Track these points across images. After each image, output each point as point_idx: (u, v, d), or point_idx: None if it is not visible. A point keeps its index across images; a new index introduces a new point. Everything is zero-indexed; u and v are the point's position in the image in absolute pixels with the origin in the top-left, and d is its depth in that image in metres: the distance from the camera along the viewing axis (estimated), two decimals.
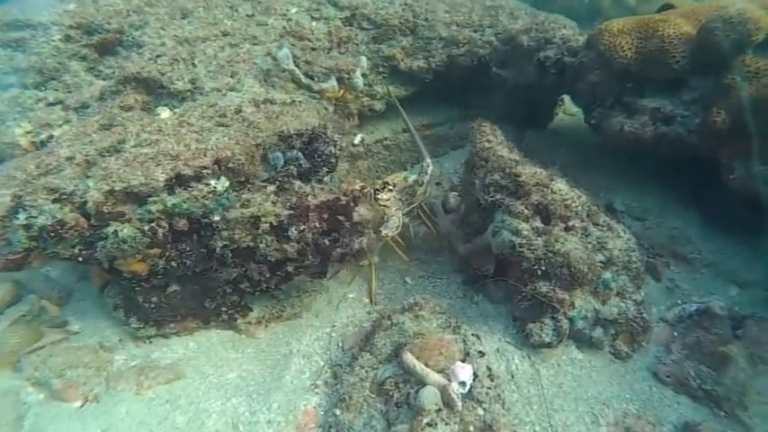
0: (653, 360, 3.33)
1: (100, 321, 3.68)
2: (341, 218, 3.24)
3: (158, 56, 4.04)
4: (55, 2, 4.87)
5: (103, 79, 4.23)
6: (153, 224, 3.03)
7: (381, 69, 5.12)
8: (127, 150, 3.21)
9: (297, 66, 4.47)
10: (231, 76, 3.92)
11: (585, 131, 5.28)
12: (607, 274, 3.22)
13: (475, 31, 5.11)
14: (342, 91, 4.73)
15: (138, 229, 2.99)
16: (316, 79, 4.49)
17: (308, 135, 3.31)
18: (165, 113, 3.65)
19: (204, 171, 3.05)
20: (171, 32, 4.31)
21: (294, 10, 5.10)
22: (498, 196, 3.22)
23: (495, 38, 4.99)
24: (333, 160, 3.34)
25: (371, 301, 3.87)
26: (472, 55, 5.01)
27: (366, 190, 3.78)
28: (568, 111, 5.72)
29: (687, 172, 4.01)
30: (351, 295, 3.92)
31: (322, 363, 3.42)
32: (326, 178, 3.31)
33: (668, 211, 4.12)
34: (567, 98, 5.65)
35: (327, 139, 3.34)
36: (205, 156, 3.09)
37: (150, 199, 3.00)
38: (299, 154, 3.30)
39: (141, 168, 3.03)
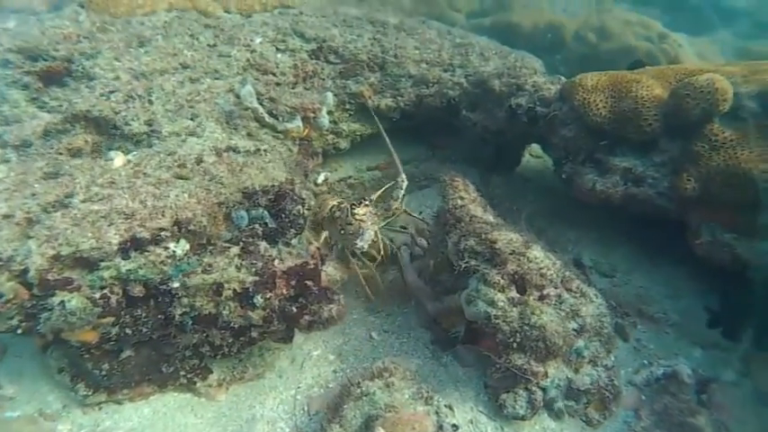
0: (623, 426, 3.30)
1: (40, 384, 3.32)
2: (309, 283, 3.05)
3: (111, 91, 3.74)
4: None
5: (48, 112, 3.88)
6: (105, 291, 2.75)
7: (348, 106, 4.96)
8: (75, 206, 2.91)
9: (261, 103, 4.27)
10: (191, 119, 3.67)
11: (553, 176, 5.29)
12: (580, 342, 3.16)
13: (445, 71, 5.02)
14: (306, 130, 4.55)
15: (88, 298, 2.71)
16: (280, 119, 4.30)
17: (275, 192, 3.12)
18: (118, 159, 3.36)
19: (162, 233, 2.81)
20: (126, 64, 4.01)
21: (258, 40, 4.88)
22: (473, 262, 3.11)
23: (466, 79, 4.92)
24: (301, 221, 3.15)
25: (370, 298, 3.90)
26: (442, 96, 4.92)
27: (343, 205, 3.78)
28: (535, 152, 5.71)
29: (655, 229, 4.03)
30: (315, 353, 3.72)
31: (288, 430, 3.22)
32: (294, 240, 3.11)
33: (636, 269, 4.13)
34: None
35: (295, 197, 3.15)
36: (163, 216, 2.85)
37: (102, 264, 2.73)
38: (265, 213, 3.10)
39: (92, 229, 2.75)
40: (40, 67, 3.94)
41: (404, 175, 3.98)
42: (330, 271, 3.28)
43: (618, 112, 3.68)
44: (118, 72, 3.91)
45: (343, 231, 3.70)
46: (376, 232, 3.76)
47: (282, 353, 3.67)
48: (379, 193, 4.17)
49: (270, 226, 3.09)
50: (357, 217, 3.66)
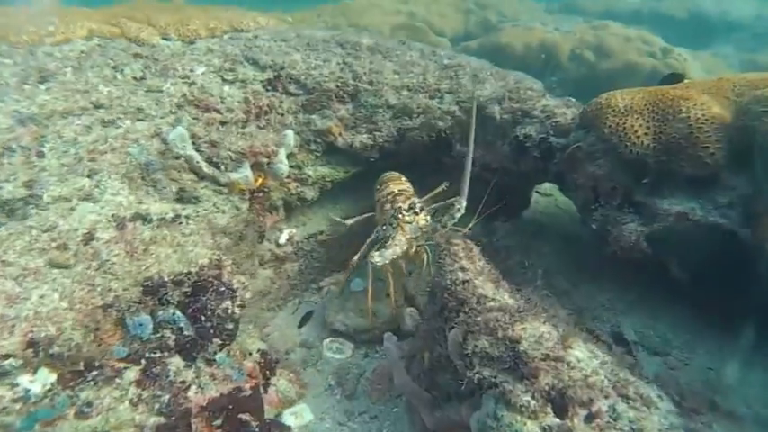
0: None
1: None
2: (245, 417, 2.03)
3: None
4: None
5: None
6: None
7: (314, 146, 4.01)
8: None
9: (198, 149, 3.31)
10: (88, 176, 2.68)
11: (572, 220, 4.33)
12: None
13: (431, 98, 4.11)
14: (259, 179, 3.59)
15: None
16: (223, 167, 3.33)
17: (192, 282, 2.12)
18: None
19: (7, 362, 1.80)
20: (11, 106, 3.04)
21: (201, 70, 3.95)
22: (487, 373, 2.10)
23: (458, 107, 4.00)
24: (229, 325, 2.14)
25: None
26: (429, 128, 3.99)
27: (400, 198, 3.56)
28: (542, 189, 4.77)
29: (721, 286, 3.04)
30: None
31: None
32: (220, 355, 2.10)
33: (697, 341, 3.12)
34: None
35: (222, 289, 2.16)
36: (11, 333, 1.84)
37: None
38: (178, 314, 2.10)
39: None
40: None
41: (464, 202, 3.12)
42: (282, 386, 2.27)
43: (665, 139, 2.75)
44: None
45: (384, 227, 3.43)
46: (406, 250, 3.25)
47: None
48: (432, 195, 3.83)
49: (185, 333, 2.08)
50: (401, 220, 3.29)
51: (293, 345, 3.66)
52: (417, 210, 3.36)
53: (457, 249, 2.66)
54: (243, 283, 2.26)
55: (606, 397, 2.15)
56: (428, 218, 3.37)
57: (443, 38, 8.86)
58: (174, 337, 2.06)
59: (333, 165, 4.15)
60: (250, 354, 2.20)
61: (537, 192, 4.72)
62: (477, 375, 2.12)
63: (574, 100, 3.83)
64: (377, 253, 3.04)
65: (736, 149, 2.68)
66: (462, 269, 2.56)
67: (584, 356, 2.13)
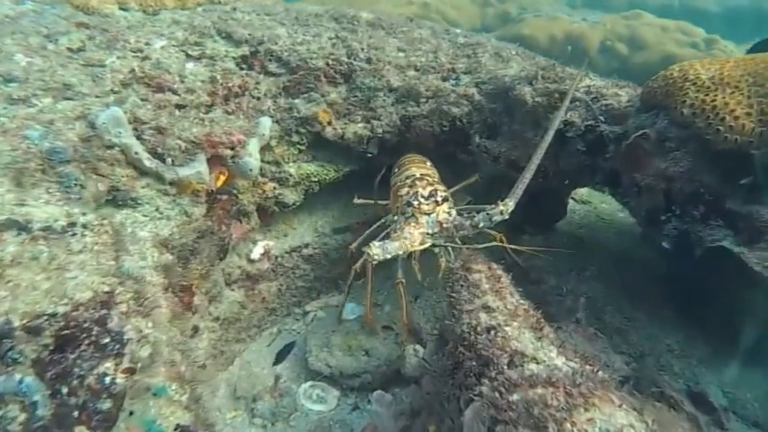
0: None
1: None
2: None
3: None
4: None
5: None
6: None
7: (296, 138, 3.21)
8: None
9: (139, 137, 2.54)
10: None
11: (617, 234, 3.49)
12: None
13: (444, 79, 3.30)
14: (221, 177, 2.80)
15: None
16: (170, 160, 2.55)
17: (57, 330, 1.31)
18: None
19: None
20: None
21: (160, 44, 3.19)
22: None
23: (478, 90, 3.18)
24: (105, 404, 1.31)
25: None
26: (441, 116, 3.18)
27: (421, 183, 2.77)
28: (577, 194, 3.93)
29: None
30: None
31: None
32: None
33: None
34: None
35: (104, 339, 1.35)
36: None
37: None
38: (29, 381, 1.29)
39: None
40: None
41: (512, 203, 2.33)
42: None
43: None
44: None
45: (396, 214, 2.72)
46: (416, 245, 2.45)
47: None
48: (461, 186, 3.17)
49: (39, 414, 1.27)
50: (417, 209, 2.56)
51: (262, 389, 2.86)
52: (439, 199, 2.62)
53: (479, 278, 1.84)
54: (141, 331, 1.45)
55: None
56: (453, 212, 2.60)
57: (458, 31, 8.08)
58: (22, 416, 1.26)
59: (320, 161, 3.35)
60: None
61: (572, 198, 3.88)
62: None
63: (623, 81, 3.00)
64: (377, 243, 2.26)
65: None
66: (486, 309, 1.73)
67: None
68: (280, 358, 3.11)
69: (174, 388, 1.68)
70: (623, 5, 10.16)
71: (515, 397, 1.38)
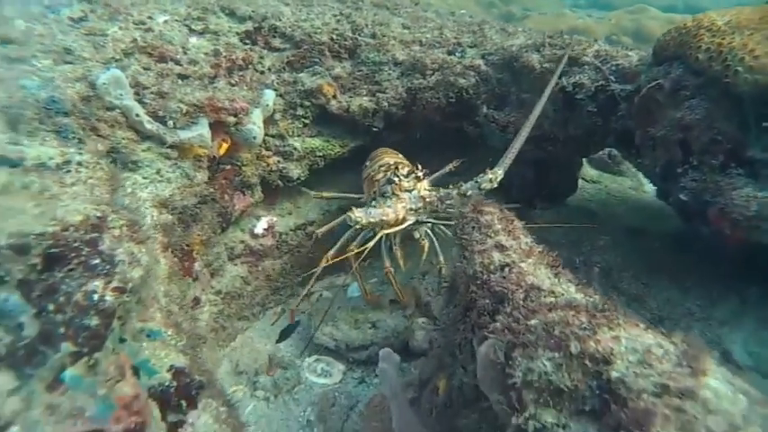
0: None
1: None
2: None
3: None
4: None
5: None
6: None
7: (301, 111, 3.15)
8: None
9: (140, 101, 2.49)
10: None
11: (629, 209, 3.40)
12: None
13: (450, 53, 3.25)
14: (224, 145, 2.74)
15: None
16: (171, 123, 2.49)
17: (44, 249, 1.24)
18: None
19: None
20: None
21: (163, 18, 3.15)
22: (550, 419, 1.17)
23: (484, 61, 3.12)
24: (93, 321, 1.24)
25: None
26: (447, 87, 3.11)
27: (393, 165, 2.80)
28: (587, 175, 3.85)
29: None
30: None
31: None
32: (71, 371, 1.20)
33: None
34: None
35: (94, 260, 1.28)
36: None
37: None
38: (15, 299, 1.22)
39: None
40: None
41: (501, 171, 2.28)
42: (204, 425, 1.37)
43: None
44: None
45: (374, 201, 2.64)
46: (400, 219, 2.47)
47: None
48: (438, 175, 3.07)
49: (25, 333, 1.20)
50: (397, 186, 2.56)
51: (264, 364, 2.77)
52: (420, 174, 2.66)
53: (491, 219, 1.75)
54: (134, 254, 1.38)
55: None
56: (433, 191, 2.61)
57: None
58: (7, 339, 1.18)
59: (326, 136, 3.29)
60: (136, 370, 1.30)
61: (582, 178, 3.80)
62: (533, 423, 1.19)
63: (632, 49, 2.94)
64: (360, 209, 2.28)
65: None
66: (500, 247, 1.65)
67: (727, 391, 1.19)
68: (284, 336, 3.02)
69: (169, 333, 1.60)
70: (628, 5, 10.16)
71: (534, 321, 1.29)
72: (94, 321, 1.20)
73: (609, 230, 2.99)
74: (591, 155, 3.39)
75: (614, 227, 3.07)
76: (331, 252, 2.82)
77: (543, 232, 3.08)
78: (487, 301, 1.51)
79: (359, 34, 3.31)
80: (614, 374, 1.13)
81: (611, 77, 2.53)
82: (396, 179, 2.55)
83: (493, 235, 1.68)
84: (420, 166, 2.71)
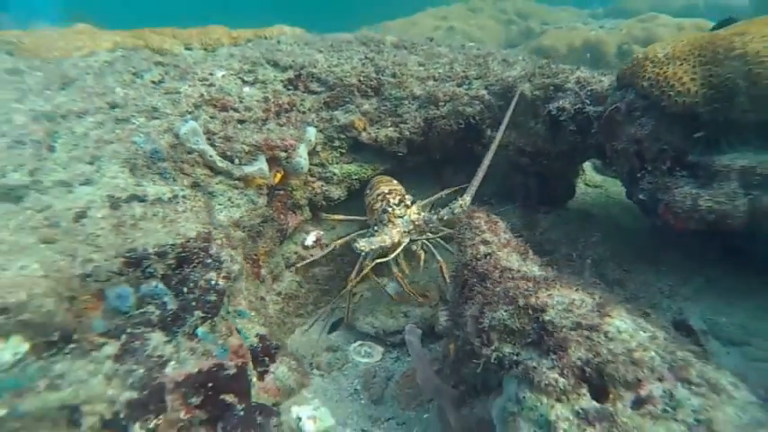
0: None
1: None
2: (228, 398, 1.79)
3: None
4: None
5: None
6: None
7: (337, 143, 3.84)
8: None
9: (212, 144, 3.20)
10: (90, 163, 2.60)
11: (622, 208, 3.91)
12: None
13: (459, 85, 3.87)
14: (278, 175, 3.44)
15: None
16: (237, 161, 3.20)
17: (177, 254, 1.93)
18: None
19: None
20: (28, 105, 3.05)
21: (221, 73, 3.89)
22: (507, 350, 1.77)
23: (487, 91, 3.73)
24: (212, 297, 1.93)
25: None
26: (457, 116, 3.74)
27: (391, 196, 3.43)
28: (591, 181, 4.37)
29: None
30: None
31: None
32: (201, 329, 1.88)
33: None
34: (587, 164, 4.36)
35: (208, 260, 1.96)
36: None
37: None
38: (160, 287, 1.91)
39: None
40: None
41: (468, 199, 2.92)
42: (282, 373, 2.02)
43: (717, 82, 2.36)
44: (12, 114, 2.94)
45: (376, 227, 3.35)
46: (396, 243, 3.16)
47: None
48: (432, 200, 3.81)
49: (169, 308, 1.88)
50: (391, 215, 3.25)
51: (320, 349, 3.42)
52: (408, 203, 3.33)
53: (479, 222, 2.36)
54: (233, 256, 2.05)
55: (660, 380, 1.76)
56: (420, 213, 3.30)
57: None
58: (157, 312, 1.87)
59: (359, 162, 3.96)
60: (238, 331, 1.97)
61: (586, 184, 4.33)
62: (495, 353, 1.79)
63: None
64: (363, 239, 2.89)
65: None
66: (484, 242, 2.26)
67: (627, 327, 1.76)
68: (333, 329, 3.66)
69: (252, 314, 2.27)
70: (645, 11, 10.45)
71: (498, 289, 1.90)
72: (213, 297, 1.87)
73: (602, 228, 3.52)
74: (578, 166, 3.91)
75: (607, 225, 3.60)
76: (353, 275, 3.45)
77: (547, 232, 3.67)
78: (474, 279, 2.12)
79: (381, 75, 3.96)
80: (547, 318, 1.73)
81: (587, 101, 3.09)
82: (389, 209, 3.20)
83: (480, 233, 2.29)
84: (408, 198, 3.39)
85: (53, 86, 3.39)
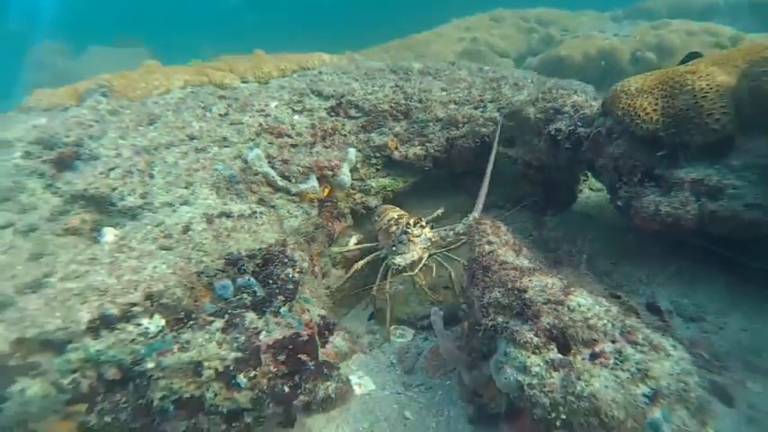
0: None
1: None
2: (303, 357, 2.54)
3: (111, 169, 3.58)
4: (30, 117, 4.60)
5: (60, 196, 3.79)
6: (75, 375, 2.43)
7: (374, 161, 4.57)
8: (51, 285, 2.69)
9: (272, 167, 3.97)
10: (185, 187, 3.41)
11: (615, 210, 4.53)
12: (656, 414, 2.35)
13: (476, 108, 4.55)
14: (326, 190, 4.19)
15: (53, 384, 2.40)
16: (293, 180, 3.97)
17: (262, 256, 2.70)
18: (109, 235, 3.13)
19: (134, 309, 2.47)
20: (129, 141, 3.89)
21: (274, 104, 4.68)
22: (500, 319, 2.46)
23: (499, 113, 4.40)
24: (290, 286, 2.69)
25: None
26: (474, 135, 4.42)
27: (401, 219, 3.98)
28: (595, 186, 4.98)
29: (752, 253, 3.17)
30: None
31: None
32: (283, 309, 2.64)
33: (732, 307, 3.23)
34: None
35: (285, 260, 2.72)
36: (135, 290, 2.52)
37: (70, 346, 2.43)
38: (252, 280, 2.68)
39: (62, 308, 2.49)
40: (54, 154, 3.89)
41: (476, 215, 3.54)
42: (338, 342, 2.76)
43: (673, 112, 2.99)
44: (121, 149, 3.78)
45: (394, 247, 3.81)
46: (421, 257, 3.79)
47: None
48: (431, 218, 4.36)
49: (258, 295, 2.65)
50: (410, 235, 3.73)
51: (362, 333, 4.15)
52: (423, 224, 3.86)
53: (485, 227, 3.06)
54: (302, 256, 2.82)
55: (613, 342, 2.44)
56: (435, 232, 3.84)
57: (507, 58, 9.23)
58: (250, 298, 2.64)
59: (392, 176, 4.68)
60: (308, 311, 2.73)
61: (590, 188, 4.95)
62: (491, 322, 2.49)
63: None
64: (398, 257, 3.59)
65: (747, 114, 2.87)
66: (489, 242, 2.95)
67: (586, 302, 2.43)
68: (372, 317, 4.40)
69: (314, 301, 3.03)
70: (665, 13, 10.79)
71: (495, 276, 2.60)
72: (290, 287, 2.63)
73: (597, 228, 4.16)
74: (577, 176, 4.54)
75: (602, 225, 4.23)
76: (378, 281, 4.06)
77: (552, 231, 4.31)
78: (480, 270, 2.82)
79: (410, 101, 4.68)
80: (527, 296, 2.42)
81: (579, 123, 3.74)
82: (408, 230, 3.80)
83: (485, 236, 2.98)
84: (419, 219, 3.94)
85: (143, 123, 4.22)
